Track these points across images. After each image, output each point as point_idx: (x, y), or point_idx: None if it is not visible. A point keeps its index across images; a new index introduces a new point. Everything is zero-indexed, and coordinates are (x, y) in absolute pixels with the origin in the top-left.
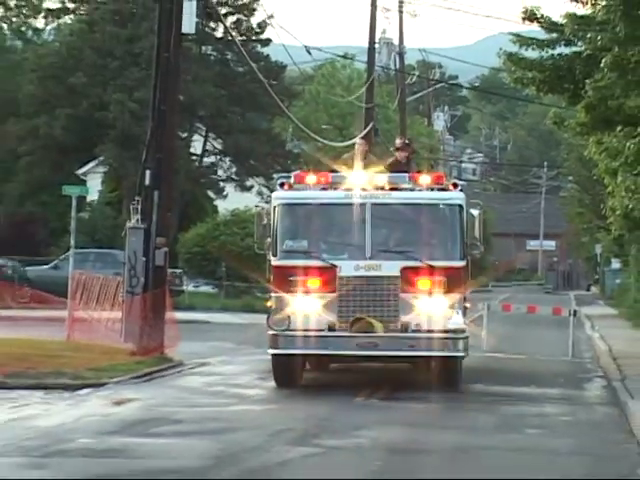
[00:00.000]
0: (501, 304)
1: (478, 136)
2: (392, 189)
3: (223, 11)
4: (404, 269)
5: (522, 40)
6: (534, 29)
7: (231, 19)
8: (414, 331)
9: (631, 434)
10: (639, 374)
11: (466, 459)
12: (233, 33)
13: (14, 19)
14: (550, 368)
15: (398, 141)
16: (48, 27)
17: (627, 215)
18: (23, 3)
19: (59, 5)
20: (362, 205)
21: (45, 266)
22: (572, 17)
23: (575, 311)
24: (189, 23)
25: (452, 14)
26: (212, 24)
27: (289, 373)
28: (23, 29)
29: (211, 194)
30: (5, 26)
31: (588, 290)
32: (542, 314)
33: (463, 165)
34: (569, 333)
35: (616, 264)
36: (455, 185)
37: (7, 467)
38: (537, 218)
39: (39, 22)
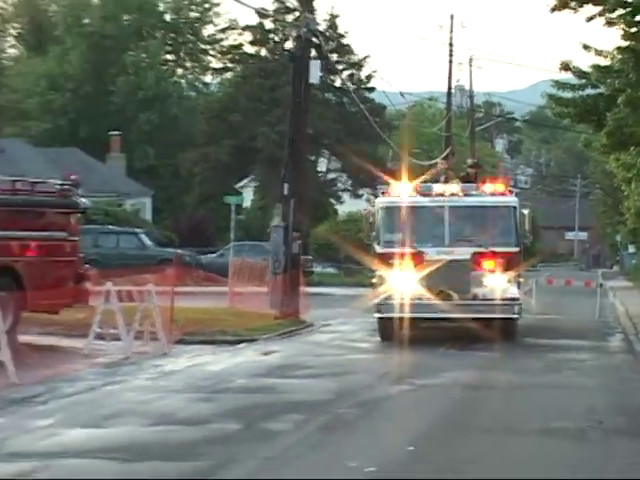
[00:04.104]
0: (546, 279)
1: (529, 156)
2: (465, 195)
3: (340, 67)
4: (474, 254)
5: (560, 85)
6: (569, 76)
7: (346, 73)
8: (482, 299)
9: None
10: None
11: (520, 393)
12: (347, 83)
13: (189, 76)
14: (582, 326)
15: (469, 161)
16: (214, 81)
17: (639, 213)
18: (196, 64)
19: (221, 65)
20: (442, 207)
21: (214, 254)
22: (596, 67)
23: (601, 284)
24: (315, 76)
25: (509, 66)
26: (332, 77)
27: (390, 331)
28: (196, 83)
29: (332, 201)
30: (183, 81)
31: (611, 268)
32: (576, 286)
33: (517, 177)
34: (596, 300)
35: (632, 249)
36: (511, 191)
37: (186, 400)
38: (573, 215)
39: (207, 78)
